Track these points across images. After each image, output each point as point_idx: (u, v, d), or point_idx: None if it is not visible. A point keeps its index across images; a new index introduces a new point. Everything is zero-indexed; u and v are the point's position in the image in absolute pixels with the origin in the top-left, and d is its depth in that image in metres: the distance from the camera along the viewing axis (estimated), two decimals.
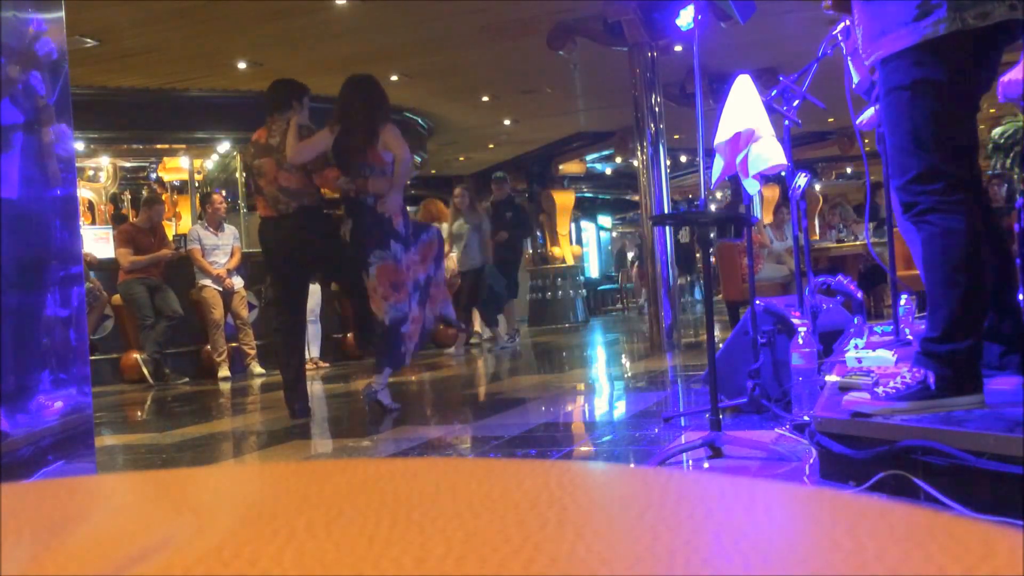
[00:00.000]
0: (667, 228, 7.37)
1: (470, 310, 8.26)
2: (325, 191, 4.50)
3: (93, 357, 6.33)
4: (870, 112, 3.43)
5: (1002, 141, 6.06)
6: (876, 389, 2.24)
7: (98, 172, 11.30)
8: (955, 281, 2.13)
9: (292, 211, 4.21)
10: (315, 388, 6.00)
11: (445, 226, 8.70)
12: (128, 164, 11.69)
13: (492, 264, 8.08)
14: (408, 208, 5.19)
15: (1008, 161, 6.06)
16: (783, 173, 3.49)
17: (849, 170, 16.90)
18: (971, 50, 2.12)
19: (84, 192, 10.72)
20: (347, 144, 4.18)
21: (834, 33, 3.44)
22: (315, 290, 7.37)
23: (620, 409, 4.19)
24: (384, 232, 4.19)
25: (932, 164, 2.15)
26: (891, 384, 2.21)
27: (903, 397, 2.15)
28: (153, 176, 12.03)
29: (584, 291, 13.37)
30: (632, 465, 2.73)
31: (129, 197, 11.75)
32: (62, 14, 2.46)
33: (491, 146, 13.52)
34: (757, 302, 3.45)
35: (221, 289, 6.99)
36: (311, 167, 4.25)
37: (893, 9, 2.15)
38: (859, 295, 4.60)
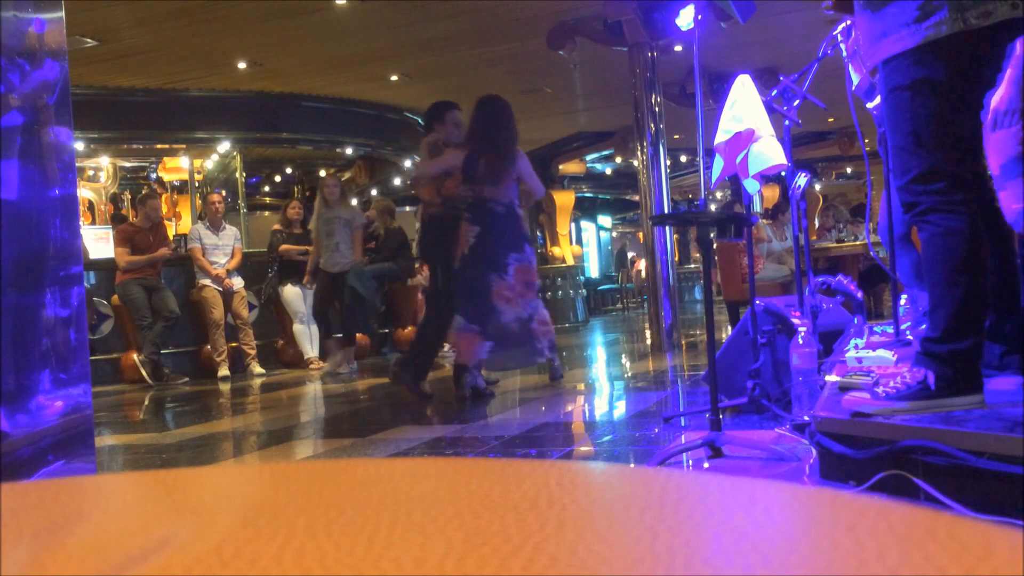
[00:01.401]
0: (667, 228, 7.37)
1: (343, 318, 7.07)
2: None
3: (93, 357, 6.32)
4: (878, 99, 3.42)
5: None
6: (876, 389, 2.24)
7: (98, 172, 11.30)
8: (956, 281, 2.13)
9: (427, 218, 4.95)
10: (315, 388, 6.00)
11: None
12: (128, 164, 11.70)
13: (359, 265, 7.02)
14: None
15: None
16: (783, 173, 3.49)
17: (849, 170, 16.91)
18: (973, 49, 2.12)
19: (84, 192, 10.73)
20: (483, 163, 4.58)
21: (834, 33, 3.43)
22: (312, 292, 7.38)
23: (620, 409, 4.19)
24: (518, 236, 4.64)
25: (933, 164, 2.15)
26: (891, 384, 2.21)
27: (903, 397, 2.15)
28: (153, 176, 12.04)
29: (584, 291, 13.38)
30: (632, 465, 2.73)
31: (129, 197, 11.76)
32: (62, 14, 2.46)
33: None
34: (757, 302, 3.45)
35: (221, 289, 6.99)
36: (436, 181, 4.79)
37: (894, 11, 2.15)
38: (859, 295, 4.60)
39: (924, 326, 3.58)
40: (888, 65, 2.19)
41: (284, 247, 7.28)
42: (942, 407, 2.10)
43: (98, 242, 8.59)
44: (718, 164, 3.33)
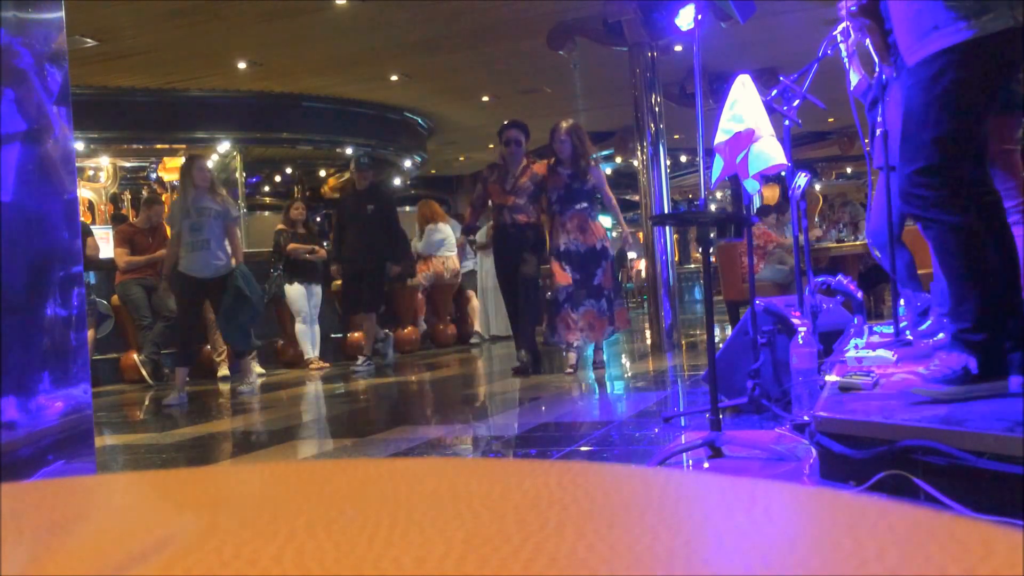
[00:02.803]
0: (667, 228, 7.38)
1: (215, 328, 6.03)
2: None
3: (93, 357, 6.32)
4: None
5: None
6: (920, 370, 2.26)
7: (98, 172, 11.31)
8: (976, 272, 2.16)
9: (533, 227, 6.06)
10: (315, 388, 6.00)
11: (443, 228, 8.58)
12: (128, 164, 11.70)
13: (243, 265, 5.58)
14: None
15: None
16: (783, 173, 3.48)
17: (849, 170, 16.92)
18: (1007, 50, 2.13)
19: (84, 192, 10.73)
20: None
21: (834, 33, 3.44)
22: (317, 291, 7.39)
23: (620, 409, 4.19)
24: None
25: (945, 158, 2.16)
26: (932, 365, 2.23)
27: (949, 381, 2.17)
28: (153, 176, 12.04)
29: None
30: (632, 465, 2.73)
31: (129, 197, 11.77)
32: (62, 14, 2.46)
33: (491, 146, 13.52)
34: (757, 302, 3.45)
35: None
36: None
37: (945, 5, 2.14)
38: (859, 295, 4.60)
39: (925, 326, 3.58)
40: (926, 58, 2.19)
41: (292, 246, 7.30)
42: (985, 392, 2.13)
43: (98, 242, 8.59)
44: (718, 164, 3.33)
